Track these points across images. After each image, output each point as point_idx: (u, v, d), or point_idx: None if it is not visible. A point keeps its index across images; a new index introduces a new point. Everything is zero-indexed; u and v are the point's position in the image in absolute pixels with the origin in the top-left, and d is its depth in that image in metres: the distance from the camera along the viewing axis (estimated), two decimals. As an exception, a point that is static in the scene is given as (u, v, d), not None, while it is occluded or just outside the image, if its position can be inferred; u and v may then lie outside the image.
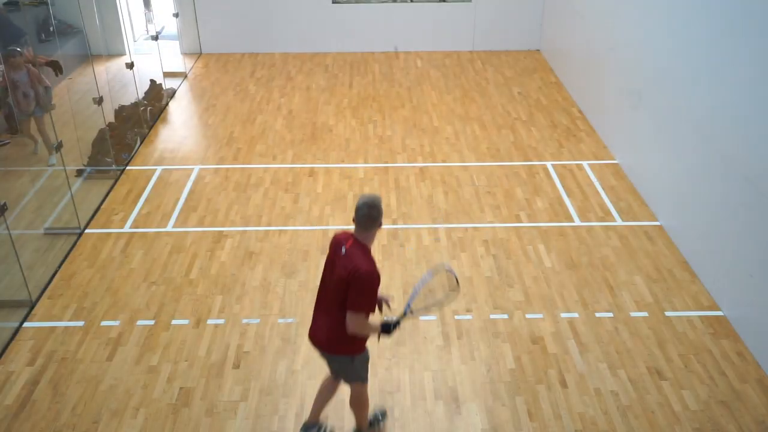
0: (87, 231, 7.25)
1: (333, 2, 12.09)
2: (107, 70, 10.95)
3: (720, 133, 6.10)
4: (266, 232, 7.19)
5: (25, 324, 5.96)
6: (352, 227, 4.27)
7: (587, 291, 6.31)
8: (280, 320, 5.98)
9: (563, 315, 6.01)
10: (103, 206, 7.69)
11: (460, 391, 5.25)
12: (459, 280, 4.61)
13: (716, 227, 6.15)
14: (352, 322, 4.08)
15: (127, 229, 7.28)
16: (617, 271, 6.57)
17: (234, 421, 5.01)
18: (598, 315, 6.02)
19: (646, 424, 4.97)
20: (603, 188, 7.95)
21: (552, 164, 8.49)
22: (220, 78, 11.33)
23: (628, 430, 4.93)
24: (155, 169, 8.48)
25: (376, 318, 4.25)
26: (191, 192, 7.95)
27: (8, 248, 6.37)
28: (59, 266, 6.69)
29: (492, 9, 12.15)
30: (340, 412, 5.08)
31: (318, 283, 6.20)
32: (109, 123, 8.76)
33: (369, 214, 4.10)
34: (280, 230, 7.22)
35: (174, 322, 5.97)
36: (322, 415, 4.85)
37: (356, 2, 12.12)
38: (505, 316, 6.00)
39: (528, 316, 6.01)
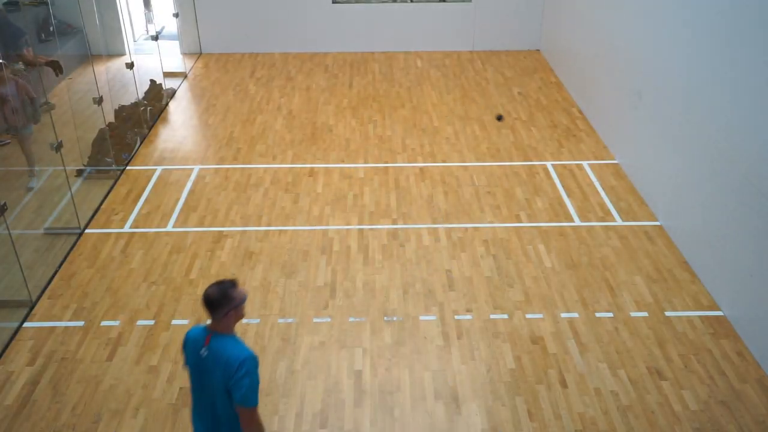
0: (87, 231, 7.25)
1: (333, 2, 12.09)
2: (107, 70, 10.95)
3: (720, 133, 6.10)
4: (266, 232, 7.20)
5: (25, 324, 5.96)
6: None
7: (587, 291, 6.31)
8: (280, 320, 5.99)
9: (563, 315, 6.01)
10: (103, 206, 7.69)
11: (460, 391, 5.25)
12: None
13: (716, 227, 6.15)
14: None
15: (127, 229, 7.28)
16: (617, 271, 6.57)
17: (234, 421, 5.01)
18: (598, 315, 6.02)
19: (646, 424, 4.97)
20: (603, 188, 7.95)
21: (552, 164, 8.49)
22: (220, 78, 11.33)
23: (628, 430, 4.93)
24: (155, 169, 8.48)
25: None
26: (191, 192, 7.95)
27: (8, 248, 6.37)
28: (59, 266, 6.69)
29: (492, 9, 12.15)
30: (340, 411, 5.09)
31: (316, 283, 6.21)
32: (109, 123, 8.76)
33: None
34: (280, 230, 7.22)
35: (174, 322, 5.97)
36: None
37: (356, 2, 12.12)
38: (505, 316, 6.00)
39: (528, 316, 6.01)
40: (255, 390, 3.54)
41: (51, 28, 10.67)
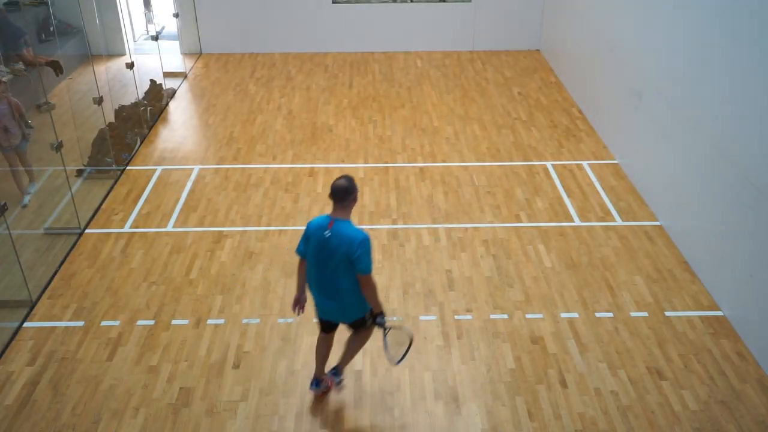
0: (87, 231, 7.25)
1: (333, 2, 12.09)
2: (107, 70, 10.96)
3: (720, 133, 6.10)
4: (266, 232, 7.20)
5: (25, 324, 5.96)
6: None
7: (587, 291, 6.31)
8: (280, 320, 5.99)
9: (563, 315, 6.01)
10: (103, 206, 7.69)
11: (460, 391, 5.25)
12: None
13: (716, 227, 6.15)
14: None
15: (127, 229, 7.28)
16: (617, 271, 6.57)
17: (234, 421, 5.01)
18: (598, 315, 6.02)
19: (646, 424, 4.97)
20: (603, 188, 7.95)
21: (552, 164, 8.49)
22: (220, 78, 11.33)
23: (628, 430, 4.93)
24: (155, 169, 8.48)
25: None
26: (191, 192, 7.95)
27: (8, 248, 6.37)
28: (59, 266, 6.69)
29: (492, 9, 12.15)
30: (340, 412, 5.08)
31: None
32: (109, 123, 8.76)
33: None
34: (280, 230, 7.22)
35: (174, 322, 5.97)
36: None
37: (356, 2, 12.12)
38: (505, 316, 6.00)
39: (528, 316, 6.01)
40: (371, 261, 4.53)
41: (51, 28, 10.67)
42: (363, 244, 4.46)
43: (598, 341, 5.72)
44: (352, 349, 5.10)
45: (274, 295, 6.28)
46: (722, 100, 6.06)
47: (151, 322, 5.96)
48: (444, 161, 8.58)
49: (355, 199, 4.61)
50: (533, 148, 8.88)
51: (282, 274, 6.55)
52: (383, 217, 7.40)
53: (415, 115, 9.90)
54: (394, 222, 7.33)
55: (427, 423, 5.00)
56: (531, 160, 8.58)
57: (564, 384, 5.30)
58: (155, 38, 10.75)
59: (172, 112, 10.20)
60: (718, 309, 6.07)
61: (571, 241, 7.01)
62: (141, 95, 9.83)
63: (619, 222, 7.31)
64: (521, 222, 7.32)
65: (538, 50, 12.43)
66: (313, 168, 8.43)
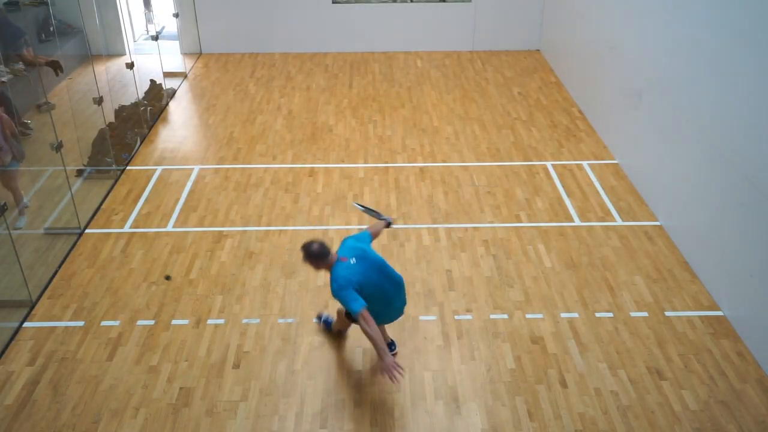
0: (87, 231, 7.25)
1: (333, 2, 12.09)
2: (107, 70, 10.95)
3: (720, 133, 6.10)
4: (266, 232, 7.20)
5: (25, 324, 5.96)
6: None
7: (587, 291, 6.31)
8: (280, 320, 5.99)
9: (563, 315, 6.01)
10: (103, 206, 7.69)
11: (460, 391, 5.25)
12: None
13: (716, 227, 6.15)
14: None
15: (127, 229, 7.28)
16: (617, 271, 6.57)
17: (234, 421, 5.01)
18: (598, 315, 6.02)
19: (646, 424, 4.97)
20: (603, 188, 7.95)
21: (552, 164, 8.49)
22: (220, 78, 11.33)
23: (628, 430, 4.93)
24: (155, 169, 8.48)
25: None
26: (191, 192, 7.95)
27: (8, 248, 6.37)
28: (59, 266, 6.69)
29: (492, 9, 12.15)
30: (340, 411, 5.09)
31: (317, 283, 6.21)
32: (109, 123, 8.76)
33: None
34: (280, 230, 7.22)
35: (174, 322, 5.97)
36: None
37: (356, 2, 12.12)
38: (505, 316, 6.00)
39: (528, 316, 6.01)
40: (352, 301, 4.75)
41: (51, 28, 10.67)
42: (336, 292, 4.77)
43: (598, 341, 5.72)
44: None
45: (274, 295, 6.28)
46: (722, 100, 6.06)
47: (151, 322, 5.96)
48: (444, 161, 8.58)
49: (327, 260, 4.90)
50: (533, 148, 8.88)
51: (282, 274, 6.55)
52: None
53: (415, 115, 9.90)
54: (394, 222, 7.32)
55: (427, 423, 5.00)
56: (531, 160, 8.58)
57: (564, 384, 5.30)
58: (155, 38, 10.75)
59: (172, 112, 10.20)
60: (718, 309, 6.07)
61: (571, 241, 7.01)
62: (141, 95, 9.83)
63: (619, 222, 7.31)
64: (521, 222, 7.32)
65: (538, 50, 12.42)
66: (313, 168, 8.43)
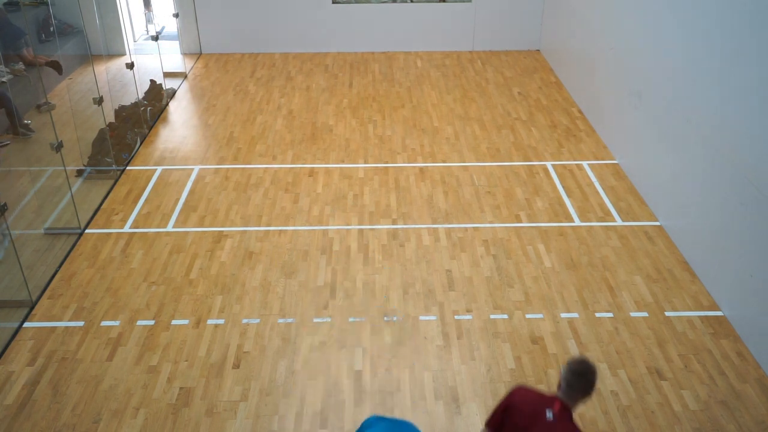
0: (87, 231, 7.25)
1: (333, 2, 12.09)
2: (107, 70, 10.95)
3: (720, 133, 6.10)
4: (266, 232, 7.20)
5: (25, 324, 5.96)
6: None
7: (587, 291, 6.31)
8: (280, 320, 5.99)
9: (563, 315, 6.01)
10: (103, 206, 7.69)
11: (460, 391, 5.25)
12: None
13: (716, 227, 6.15)
14: None
15: (127, 229, 7.28)
16: (617, 271, 6.57)
17: (234, 421, 5.01)
18: (598, 315, 6.02)
19: (646, 424, 4.97)
20: (603, 188, 7.95)
21: (552, 164, 8.49)
22: (220, 78, 11.33)
23: (628, 430, 4.93)
24: (155, 169, 8.48)
25: None
26: (191, 192, 7.95)
27: (8, 248, 6.37)
28: (59, 266, 6.69)
29: (492, 9, 12.15)
30: (340, 412, 5.09)
31: (317, 283, 6.20)
32: (109, 123, 8.76)
33: (590, 380, 3.40)
34: (280, 230, 7.22)
35: (174, 322, 5.97)
36: None
37: (356, 2, 12.12)
38: (505, 316, 6.00)
39: (528, 316, 6.01)
40: None
41: (51, 28, 10.67)
42: None
43: (598, 341, 5.72)
44: None
45: (274, 295, 6.28)
46: (722, 100, 6.06)
47: (151, 322, 5.96)
48: (444, 161, 8.58)
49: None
50: (533, 148, 8.88)
51: (282, 274, 6.55)
52: (383, 217, 7.40)
53: (415, 115, 9.90)
54: (394, 222, 7.33)
55: (427, 423, 5.00)
56: (531, 160, 8.58)
57: (564, 384, 5.30)
58: (155, 38, 10.75)
59: (172, 112, 10.20)
60: (718, 309, 6.07)
61: (571, 241, 7.01)
62: (141, 95, 9.83)
63: (619, 222, 7.31)
64: (521, 222, 7.32)
65: (538, 50, 12.42)
66: (313, 168, 8.43)
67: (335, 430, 4.95)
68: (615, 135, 8.71)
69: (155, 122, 9.79)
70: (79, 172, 8.22)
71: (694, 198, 6.55)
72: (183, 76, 11.45)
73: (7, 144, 8.69)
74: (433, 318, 5.99)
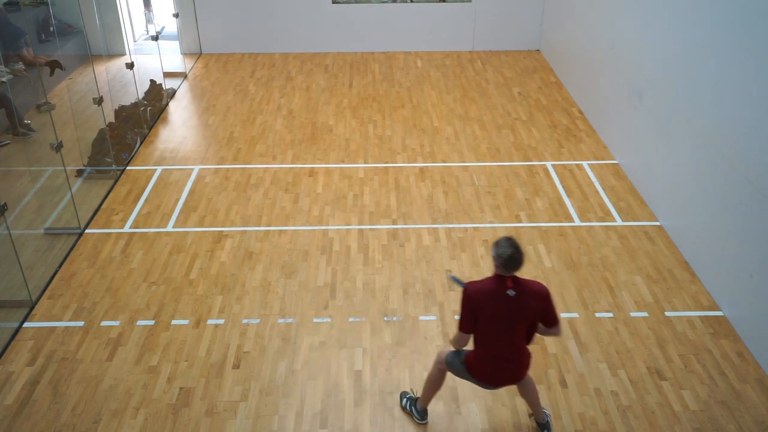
0: (87, 231, 7.25)
1: (333, 2, 12.09)
2: (107, 70, 10.96)
3: (720, 133, 6.10)
4: (266, 232, 7.20)
5: (25, 324, 5.96)
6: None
7: (587, 291, 6.31)
8: (280, 320, 5.98)
9: (563, 315, 6.01)
10: (103, 206, 7.69)
11: (460, 391, 5.25)
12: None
13: (716, 227, 6.15)
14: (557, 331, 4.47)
15: (127, 229, 7.28)
16: (617, 271, 6.57)
17: (234, 421, 5.01)
18: (598, 315, 6.02)
19: (646, 424, 4.97)
20: (603, 188, 7.95)
21: (552, 164, 8.49)
22: (220, 78, 11.33)
23: (628, 430, 4.93)
24: (155, 169, 8.48)
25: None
26: (191, 192, 7.95)
27: (8, 248, 6.37)
28: (59, 266, 6.69)
29: (492, 9, 12.15)
30: (340, 412, 5.09)
31: (317, 283, 6.20)
32: (109, 123, 8.76)
33: (521, 252, 4.19)
34: (280, 230, 7.22)
35: (174, 322, 5.97)
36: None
37: (356, 2, 12.12)
38: (505, 316, 5.99)
39: (528, 316, 6.00)
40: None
41: (51, 28, 10.68)
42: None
43: (598, 341, 5.72)
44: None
45: (274, 295, 6.28)
46: (722, 100, 6.06)
47: (151, 322, 5.96)
48: (444, 161, 8.58)
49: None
50: (533, 148, 8.88)
51: (282, 274, 6.55)
52: (383, 217, 7.40)
53: (415, 115, 9.90)
54: (394, 222, 7.33)
55: (427, 423, 5.00)
56: (531, 160, 8.58)
57: (564, 384, 5.30)
58: (155, 38, 10.75)
59: (172, 112, 10.20)
60: (718, 309, 6.07)
61: (571, 241, 7.01)
62: (141, 95, 9.83)
63: (619, 222, 7.31)
64: (521, 222, 7.32)
65: (538, 50, 12.42)
66: (313, 168, 8.43)
67: (335, 430, 4.95)
68: (615, 135, 8.71)
69: (155, 122, 9.79)
70: (79, 172, 8.22)
71: (694, 198, 6.55)
72: (183, 76, 11.46)
73: (7, 143, 8.69)
74: (433, 318, 5.99)
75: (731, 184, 5.87)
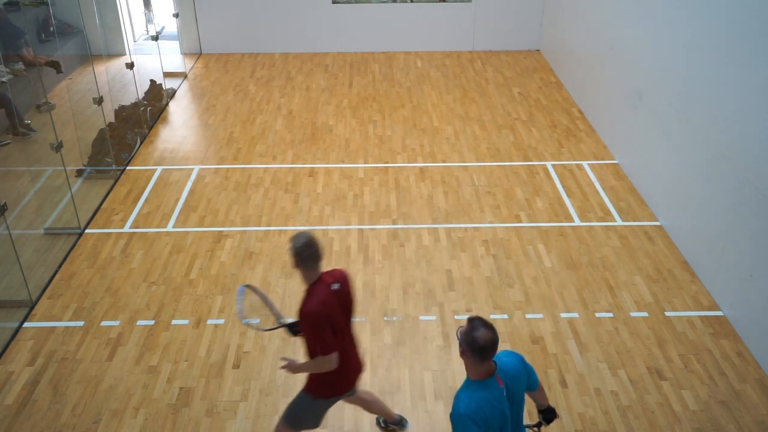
0: (87, 231, 7.25)
1: (333, 2, 12.09)
2: (107, 70, 10.95)
3: (720, 133, 6.10)
4: (266, 232, 7.20)
5: (25, 324, 5.96)
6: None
7: (587, 291, 6.31)
8: (280, 320, 5.97)
9: (563, 315, 6.01)
10: (103, 206, 7.69)
11: (460, 391, 5.25)
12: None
13: (716, 227, 6.15)
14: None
15: (127, 229, 7.28)
16: (617, 271, 6.57)
17: (234, 421, 5.01)
18: (598, 315, 6.02)
19: (646, 424, 4.97)
20: (603, 188, 7.95)
21: (552, 164, 8.49)
22: (220, 78, 11.33)
23: (628, 430, 4.93)
24: (155, 169, 8.48)
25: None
26: (191, 192, 7.95)
27: (8, 248, 6.37)
28: (59, 266, 6.69)
29: (492, 9, 12.15)
30: (340, 412, 5.08)
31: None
32: (109, 123, 8.76)
33: (318, 244, 3.99)
34: (280, 230, 7.22)
35: (174, 322, 5.97)
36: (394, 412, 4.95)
37: (356, 2, 12.12)
38: (505, 316, 6.00)
39: (528, 316, 6.01)
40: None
41: (51, 28, 10.67)
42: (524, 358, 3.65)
43: (598, 341, 5.72)
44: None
45: (274, 295, 6.28)
46: (722, 100, 6.06)
47: (151, 322, 5.96)
48: (444, 161, 8.58)
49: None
50: (533, 148, 8.88)
51: (282, 274, 6.55)
52: (383, 217, 7.40)
53: (415, 115, 9.90)
54: (394, 222, 7.33)
55: (427, 423, 5.00)
56: (531, 160, 8.58)
57: (564, 384, 5.30)
58: (155, 38, 10.75)
59: (172, 112, 10.20)
60: (718, 309, 6.07)
61: (571, 241, 7.01)
62: (141, 95, 9.83)
63: (619, 222, 7.31)
64: (521, 222, 7.32)
65: (538, 50, 12.42)
66: (313, 168, 8.43)
67: (335, 430, 4.95)
68: (615, 135, 8.71)
69: (155, 122, 9.79)
70: (79, 172, 8.22)
71: (694, 198, 6.55)
72: (183, 76, 11.45)
73: (7, 143, 8.69)
74: (433, 318, 5.99)
75: (731, 183, 5.87)
